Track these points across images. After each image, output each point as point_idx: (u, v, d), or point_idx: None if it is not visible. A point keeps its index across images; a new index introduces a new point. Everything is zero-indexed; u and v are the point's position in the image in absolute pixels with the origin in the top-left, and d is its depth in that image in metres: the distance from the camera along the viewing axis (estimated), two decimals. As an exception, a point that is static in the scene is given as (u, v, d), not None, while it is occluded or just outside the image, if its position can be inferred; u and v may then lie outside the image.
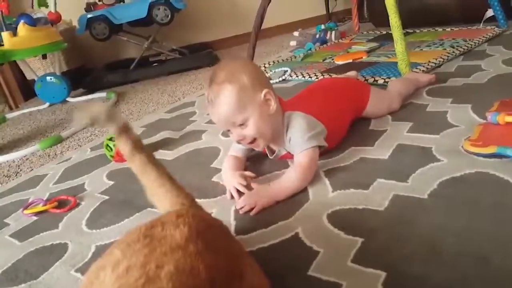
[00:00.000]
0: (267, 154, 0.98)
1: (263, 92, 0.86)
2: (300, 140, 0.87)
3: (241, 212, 0.81)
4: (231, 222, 0.79)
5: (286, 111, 0.92)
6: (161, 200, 0.64)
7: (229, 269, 0.44)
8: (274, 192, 0.83)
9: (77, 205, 1.01)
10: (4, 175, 1.38)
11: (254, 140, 0.89)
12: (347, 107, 1.03)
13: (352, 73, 1.37)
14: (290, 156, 0.93)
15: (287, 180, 0.84)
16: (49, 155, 1.49)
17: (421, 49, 1.68)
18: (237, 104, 0.84)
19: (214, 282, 0.40)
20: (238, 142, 0.91)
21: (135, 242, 0.45)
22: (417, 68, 1.38)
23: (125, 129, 0.64)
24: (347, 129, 1.03)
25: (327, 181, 0.85)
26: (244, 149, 0.99)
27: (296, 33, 2.44)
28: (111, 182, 1.10)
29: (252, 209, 0.80)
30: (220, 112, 0.85)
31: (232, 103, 0.84)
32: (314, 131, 0.88)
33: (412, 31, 2.02)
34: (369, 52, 1.81)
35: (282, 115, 0.91)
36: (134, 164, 0.65)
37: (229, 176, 0.92)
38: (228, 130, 0.89)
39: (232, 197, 0.87)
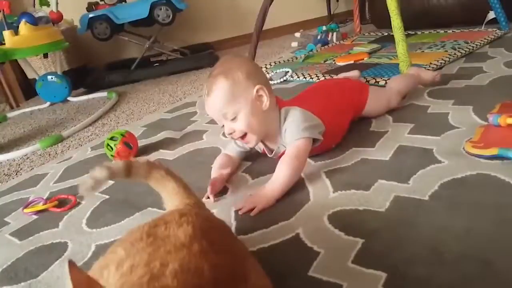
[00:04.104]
0: (266, 154, 0.98)
1: (256, 87, 0.87)
2: (294, 129, 0.88)
3: (240, 213, 0.81)
4: (231, 222, 0.79)
5: (283, 107, 0.92)
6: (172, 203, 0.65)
7: (233, 270, 0.44)
8: (270, 190, 0.83)
9: (77, 204, 1.01)
10: (4, 174, 1.38)
11: (244, 135, 0.90)
12: (347, 107, 1.04)
13: (354, 73, 1.37)
14: None
15: (279, 175, 0.84)
16: (49, 154, 1.49)
17: (423, 51, 1.68)
18: (228, 97, 0.86)
19: (218, 282, 0.39)
20: (229, 135, 0.92)
21: (138, 241, 0.45)
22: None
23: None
24: (347, 129, 1.03)
25: (328, 182, 0.85)
26: (238, 150, 1.00)
27: (297, 34, 2.44)
28: (111, 182, 1.10)
29: (251, 210, 0.80)
30: (212, 103, 0.89)
31: (224, 96, 0.86)
32: (310, 123, 0.89)
33: (413, 32, 2.02)
34: (370, 53, 1.81)
35: (278, 112, 0.92)
36: (151, 179, 0.66)
37: (214, 171, 0.97)
38: (222, 126, 0.91)
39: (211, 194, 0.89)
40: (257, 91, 0.88)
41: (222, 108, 0.87)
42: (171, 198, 0.65)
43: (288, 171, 0.84)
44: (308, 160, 0.94)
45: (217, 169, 0.97)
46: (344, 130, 1.02)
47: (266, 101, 0.89)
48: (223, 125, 0.91)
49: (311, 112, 0.92)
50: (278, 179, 0.84)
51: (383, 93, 1.15)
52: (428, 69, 1.35)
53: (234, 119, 0.88)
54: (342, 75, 1.40)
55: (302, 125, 0.88)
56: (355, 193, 0.79)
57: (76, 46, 2.64)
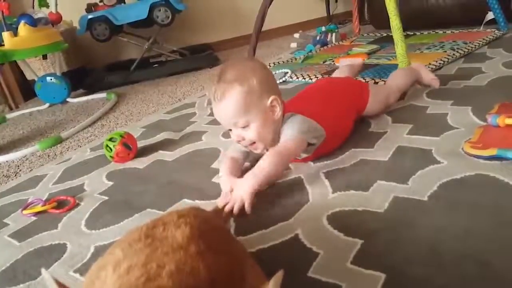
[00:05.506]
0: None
1: (270, 99, 0.86)
2: (289, 130, 0.87)
3: (226, 210, 0.78)
4: (231, 223, 0.79)
5: (287, 113, 0.92)
6: None
7: (231, 271, 0.44)
8: (252, 178, 0.80)
9: (77, 205, 1.01)
10: (3, 175, 1.38)
11: (253, 143, 0.89)
12: (349, 107, 1.03)
13: (358, 60, 1.36)
14: None
15: (261, 163, 0.83)
16: (48, 156, 1.49)
17: (422, 51, 1.68)
18: (242, 106, 0.83)
19: (215, 282, 0.39)
20: (237, 142, 0.91)
21: (136, 241, 0.45)
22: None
23: None
24: (351, 131, 1.02)
25: (327, 183, 0.85)
26: (244, 150, 0.99)
27: (296, 35, 2.44)
28: (111, 183, 1.10)
29: (242, 210, 0.78)
30: (224, 111, 0.86)
31: (237, 104, 0.83)
32: (309, 126, 0.88)
33: (412, 33, 2.03)
34: (369, 54, 1.82)
35: (282, 117, 0.91)
36: None
37: (225, 180, 0.90)
38: (230, 130, 0.90)
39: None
40: (271, 102, 0.86)
41: (234, 117, 0.85)
42: None
43: (269, 165, 0.82)
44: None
45: (227, 175, 0.90)
46: (348, 132, 1.01)
47: (278, 111, 0.88)
48: (230, 130, 0.89)
49: (313, 118, 0.90)
50: (261, 166, 0.82)
51: (381, 90, 1.15)
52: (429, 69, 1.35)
53: (245, 127, 0.86)
54: (347, 61, 1.39)
55: (299, 127, 0.87)
56: (354, 193, 0.79)
57: (75, 47, 2.64)
